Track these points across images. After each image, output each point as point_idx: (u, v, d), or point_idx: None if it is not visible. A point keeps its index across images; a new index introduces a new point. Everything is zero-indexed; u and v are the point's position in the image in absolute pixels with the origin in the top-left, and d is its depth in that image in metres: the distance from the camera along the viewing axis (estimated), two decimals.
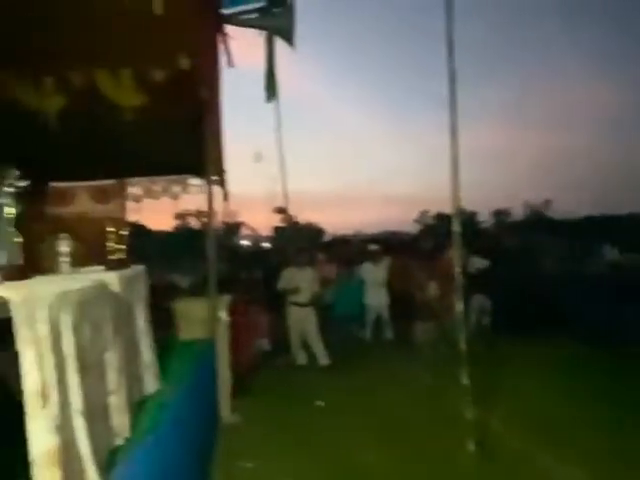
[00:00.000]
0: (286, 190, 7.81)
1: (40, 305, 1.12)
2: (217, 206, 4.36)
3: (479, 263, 6.13)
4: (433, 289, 5.85)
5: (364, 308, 6.26)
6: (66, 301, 1.28)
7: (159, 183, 6.73)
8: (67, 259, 2.13)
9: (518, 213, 30.54)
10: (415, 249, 8.03)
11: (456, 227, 3.15)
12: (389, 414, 3.83)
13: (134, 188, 6.76)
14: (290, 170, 7.87)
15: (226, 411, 3.71)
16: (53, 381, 1.14)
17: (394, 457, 3.14)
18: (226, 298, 3.92)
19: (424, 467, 2.98)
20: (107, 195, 6.51)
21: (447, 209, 3.29)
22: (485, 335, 5.88)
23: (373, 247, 6.49)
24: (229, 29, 3.92)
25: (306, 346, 5.33)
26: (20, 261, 1.65)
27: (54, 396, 1.13)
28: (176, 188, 6.81)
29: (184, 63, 2.44)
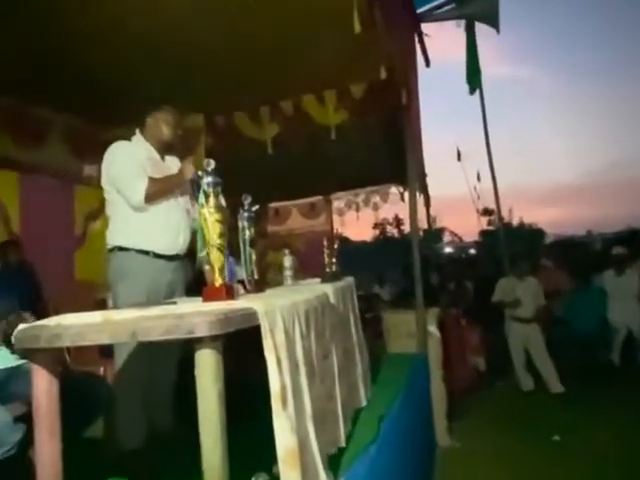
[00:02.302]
0: (495, 188, 7.33)
1: (277, 315, 1.34)
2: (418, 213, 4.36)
3: None
4: None
5: (606, 325, 5.34)
6: (296, 311, 1.50)
7: (360, 195, 7.26)
8: (291, 272, 2.49)
9: None
10: None
11: None
12: None
13: (338, 202, 7.47)
14: (497, 166, 7.37)
15: (442, 434, 3.66)
16: (289, 385, 1.34)
17: None
18: (435, 311, 3.91)
19: None
20: (315, 211, 7.37)
21: None
22: None
23: (618, 250, 5.49)
24: (424, 27, 3.97)
25: (532, 369, 4.85)
26: (257, 276, 2.01)
27: (290, 399, 1.33)
28: (376, 198, 7.23)
29: (383, 74, 2.57)
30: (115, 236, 2.15)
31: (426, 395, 3.49)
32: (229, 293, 1.52)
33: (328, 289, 2.06)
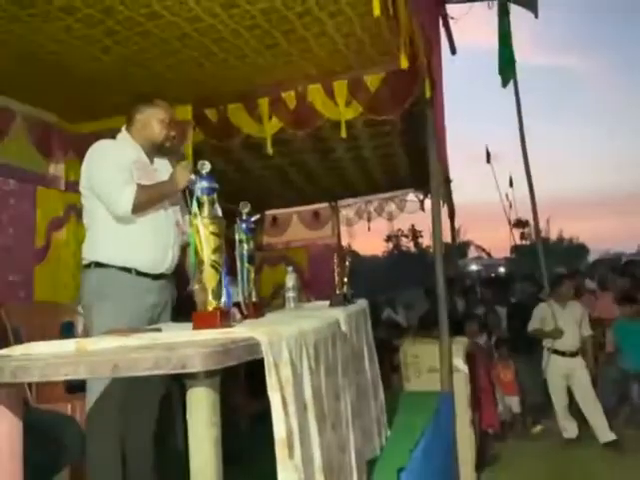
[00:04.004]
0: (532, 196, 7.29)
1: (283, 347, 1.33)
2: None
3: None
4: None
5: None
6: (304, 342, 1.49)
7: (373, 202, 7.28)
8: (294, 294, 2.48)
9: None
10: None
11: None
12: None
13: (346, 210, 7.49)
14: (533, 170, 7.34)
15: None
16: (296, 430, 1.33)
17: None
18: (462, 341, 3.89)
19: None
20: (320, 220, 7.38)
21: None
22: None
23: None
24: (451, 9, 4.02)
25: (576, 411, 4.81)
26: (256, 297, 2.01)
27: (298, 446, 1.32)
28: (391, 207, 7.25)
29: (405, 62, 2.59)
30: (93, 250, 2.15)
31: (451, 442, 3.46)
32: (224, 319, 1.52)
33: (339, 315, 2.05)
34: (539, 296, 5.65)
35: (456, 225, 7.67)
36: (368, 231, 7.65)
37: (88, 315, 2.14)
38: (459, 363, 3.71)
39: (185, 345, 1.16)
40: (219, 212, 1.66)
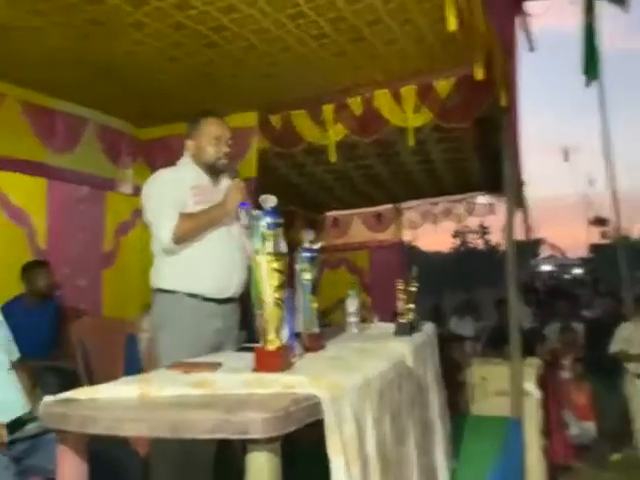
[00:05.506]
0: (613, 192, 6.85)
1: (346, 404, 1.29)
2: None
3: None
4: None
5: None
6: (369, 392, 1.44)
7: (438, 205, 7.08)
8: (356, 319, 2.43)
9: None
10: None
11: None
12: None
13: (410, 212, 7.34)
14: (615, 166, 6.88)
15: None
16: None
17: None
18: (534, 363, 3.72)
19: None
20: (382, 222, 7.28)
21: None
22: None
23: None
24: (530, 6, 3.80)
25: None
26: (316, 329, 1.97)
27: None
28: (459, 210, 7.03)
29: (479, 74, 2.47)
30: (158, 278, 2.21)
31: (520, 474, 3.32)
32: (285, 359, 1.50)
33: (405, 349, 1.98)
34: (623, 312, 5.31)
35: (530, 222, 7.32)
36: (434, 232, 7.47)
37: (156, 337, 2.21)
38: (530, 387, 3.55)
39: (245, 403, 1.14)
40: (283, 247, 1.63)
